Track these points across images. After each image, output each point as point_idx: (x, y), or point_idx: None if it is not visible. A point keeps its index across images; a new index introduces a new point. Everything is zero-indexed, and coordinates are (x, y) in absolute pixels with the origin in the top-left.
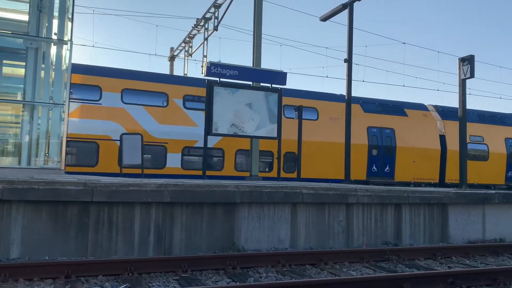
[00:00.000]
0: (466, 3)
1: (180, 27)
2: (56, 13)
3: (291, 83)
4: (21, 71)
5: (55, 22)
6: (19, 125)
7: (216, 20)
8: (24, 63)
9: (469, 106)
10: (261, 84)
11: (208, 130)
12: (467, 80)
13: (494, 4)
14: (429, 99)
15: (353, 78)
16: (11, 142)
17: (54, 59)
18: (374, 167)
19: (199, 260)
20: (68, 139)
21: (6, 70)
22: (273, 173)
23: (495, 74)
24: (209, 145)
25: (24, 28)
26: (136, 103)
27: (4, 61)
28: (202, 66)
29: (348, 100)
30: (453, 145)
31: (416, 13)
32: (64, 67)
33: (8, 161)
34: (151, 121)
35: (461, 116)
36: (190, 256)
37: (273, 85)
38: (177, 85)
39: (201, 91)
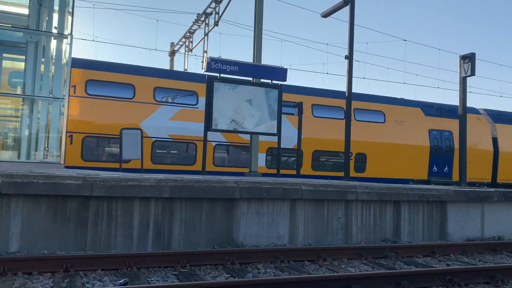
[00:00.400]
0: (467, 1)
1: (181, 22)
2: (56, 7)
3: (292, 80)
4: (21, 65)
5: (55, 16)
6: (19, 119)
7: (216, 16)
8: (24, 57)
9: (470, 104)
10: (262, 80)
11: (208, 126)
12: (467, 78)
13: (495, 2)
14: (429, 97)
15: (353, 75)
16: (10, 136)
17: (54, 53)
18: (435, 168)
19: (198, 255)
20: (170, 140)
21: (6, 63)
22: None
23: (495, 72)
24: (289, 146)
25: (24, 22)
26: None
27: (4, 55)
28: (202, 62)
29: (349, 96)
30: (504, 147)
31: (417, 11)
32: (64, 61)
33: (7, 155)
34: None
35: (461, 114)
36: (189, 251)
37: (273, 81)
38: None
39: (284, 96)
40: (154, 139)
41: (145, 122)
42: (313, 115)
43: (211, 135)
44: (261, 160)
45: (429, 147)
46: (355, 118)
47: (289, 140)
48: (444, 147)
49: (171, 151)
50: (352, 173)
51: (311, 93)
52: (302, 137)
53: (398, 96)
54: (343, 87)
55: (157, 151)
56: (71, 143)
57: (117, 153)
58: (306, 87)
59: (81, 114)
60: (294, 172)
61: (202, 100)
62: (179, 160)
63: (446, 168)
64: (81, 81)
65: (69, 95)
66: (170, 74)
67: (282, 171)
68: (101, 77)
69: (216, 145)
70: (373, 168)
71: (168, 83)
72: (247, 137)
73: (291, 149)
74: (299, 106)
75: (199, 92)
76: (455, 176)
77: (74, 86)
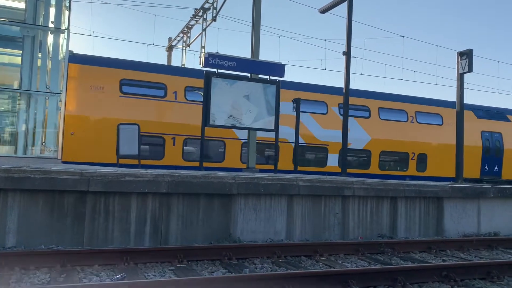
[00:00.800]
0: None
1: (179, 17)
2: (53, 1)
3: (289, 76)
4: (18, 59)
5: (52, 10)
6: (16, 114)
7: (214, 11)
8: (20, 51)
9: (467, 100)
10: (259, 76)
11: (206, 122)
12: (465, 75)
13: None
14: (428, 93)
15: (351, 71)
16: (7, 131)
17: (51, 48)
18: (486, 167)
19: (195, 250)
20: (256, 141)
21: (2, 58)
22: (408, 172)
23: (493, 69)
24: (359, 147)
25: (21, 16)
26: (304, 111)
27: (1, 49)
28: (200, 57)
29: (346, 92)
30: None
31: (415, 7)
32: (61, 56)
33: (4, 150)
34: (316, 126)
35: (458, 110)
36: (186, 246)
37: (271, 77)
38: (333, 95)
39: (351, 100)
40: (243, 141)
41: None
42: (380, 118)
43: (290, 137)
44: (334, 160)
45: (481, 148)
46: (417, 120)
47: (359, 141)
48: (495, 148)
49: (257, 152)
50: (414, 172)
51: (377, 97)
52: (370, 138)
53: (398, 92)
54: (341, 83)
55: (245, 152)
56: (173, 144)
57: (211, 153)
58: (374, 92)
59: (182, 118)
60: (363, 171)
61: (282, 104)
62: (264, 160)
63: (496, 168)
64: (181, 88)
65: (169, 101)
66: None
67: (352, 171)
68: (197, 83)
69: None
70: (433, 167)
71: None
72: (323, 139)
73: (361, 149)
74: (296, 102)
75: (282, 97)
76: (505, 175)
77: (175, 92)
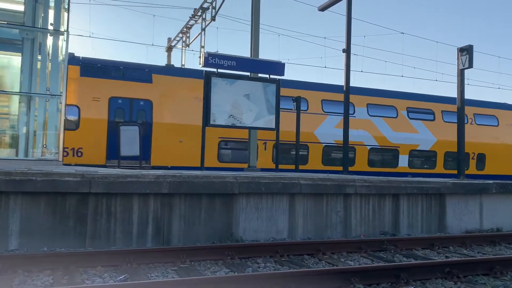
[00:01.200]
0: None
1: (178, 17)
2: (52, 3)
3: (289, 74)
4: (18, 62)
5: (51, 13)
6: (16, 116)
7: (213, 10)
8: (20, 54)
9: (467, 96)
10: (259, 75)
11: (206, 122)
12: (465, 70)
13: None
14: (427, 90)
15: (351, 68)
16: (8, 134)
17: (51, 50)
18: None
19: (198, 250)
20: (335, 145)
21: (2, 61)
22: (468, 171)
23: (493, 64)
24: (426, 148)
25: (20, 19)
26: (376, 115)
27: (0, 52)
28: (199, 57)
29: (347, 90)
30: None
31: (415, 3)
32: (60, 58)
33: (5, 152)
34: (388, 129)
35: (459, 107)
36: (189, 246)
37: (271, 76)
38: (401, 99)
39: (417, 104)
40: (324, 145)
41: (317, 130)
42: (443, 120)
43: (366, 140)
44: (405, 161)
45: None
46: (475, 122)
47: (426, 142)
48: None
49: (337, 155)
50: (474, 171)
51: (440, 101)
52: (436, 140)
53: (398, 89)
54: (340, 81)
55: (326, 154)
56: (264, 149)
57: (292, 156)
58: (436, 96)
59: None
60: (430, 171)
61: (358, 110)
62: (335, 162)
63: None
64: None
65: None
66: (332, 87)
67: (420, 171)
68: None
69: (370, 148)
70: (491, 166)
71: (330, 96)
72: (394, 141)
73: (427, 150)
74: (297, 100)
75: (355, 103)
76: None
77: None
